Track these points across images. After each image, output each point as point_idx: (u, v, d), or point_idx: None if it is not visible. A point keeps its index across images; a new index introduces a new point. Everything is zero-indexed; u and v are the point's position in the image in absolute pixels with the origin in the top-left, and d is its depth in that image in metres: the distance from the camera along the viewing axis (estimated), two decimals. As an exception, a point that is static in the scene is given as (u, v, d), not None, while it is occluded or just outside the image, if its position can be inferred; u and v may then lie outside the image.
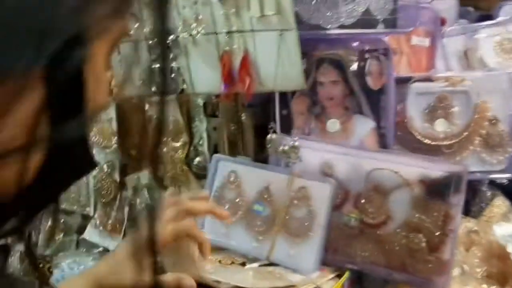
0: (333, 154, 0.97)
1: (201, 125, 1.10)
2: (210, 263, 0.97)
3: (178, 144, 1.15)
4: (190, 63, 0.91)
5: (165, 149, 1.16)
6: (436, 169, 0.89)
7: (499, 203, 1.11)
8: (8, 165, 0.30)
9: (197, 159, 1.12)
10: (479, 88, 1.08)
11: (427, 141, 1.09)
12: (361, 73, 1.02)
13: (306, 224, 0.94)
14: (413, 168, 0.91)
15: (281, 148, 0.88)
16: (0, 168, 0.30)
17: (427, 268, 0.87)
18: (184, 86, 0.92)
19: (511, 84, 1.10)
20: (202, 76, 0.92)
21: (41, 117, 0.30)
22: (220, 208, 0.83)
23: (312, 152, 0.97)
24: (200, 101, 1.07)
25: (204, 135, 1.10)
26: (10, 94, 0.28)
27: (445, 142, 1.09)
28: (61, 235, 1.40)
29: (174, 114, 1.13)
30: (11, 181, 0.30)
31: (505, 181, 1.14)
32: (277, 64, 0.86)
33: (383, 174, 0.92)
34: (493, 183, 1.14)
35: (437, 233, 0.87)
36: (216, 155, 1.04)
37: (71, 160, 0.34)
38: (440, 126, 1.09)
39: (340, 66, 1.01)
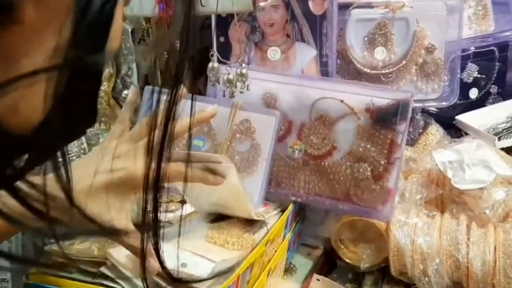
0: (276, 84, 0.92)
1: (129, 54, 1.00)
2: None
3: (102, 76, 1.04)
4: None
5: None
6: (382, 96, 0.87)
7: (434, 131, 1.13)
8: (35, 91, 0.29)
9: (125, 92, 1.03)
10: (418, 15, 1.06)
11: (366, 70, 1.07)
12: (302, -4, 0.96)
13: (249, 158, 0.89)
14: (358, 96, 0.88)
15: (225, 77, 0.82)
16: (27, 93, 0.29)
17: (372, 197, 0.87)
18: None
19: (448, 11, 1.09)
20: (132, -3, 0.82)
21: (68, 43, 0.29)
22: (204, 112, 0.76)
23: (254, 82, 0.91)
24: (128, 27, 0.97)
25: (133, 65, 1.00)
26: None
27: (384, 71, 1.07)
28: None
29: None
30: (37, 109, 0.30)
31: (435, 109, 1.17)
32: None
33: (328, 103, 0.89)
34: (426, 112, 1.16)
35: (382, 162, 0.86)
36: (148, 87, 0.95)
37: (83, 103, 0.34)
38: (380, 54, 1.07)
39: (281, -12, 0.95)
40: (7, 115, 0.30)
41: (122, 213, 0.61)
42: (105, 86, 1.05)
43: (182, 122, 0.62)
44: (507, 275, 0.79)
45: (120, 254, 0.69)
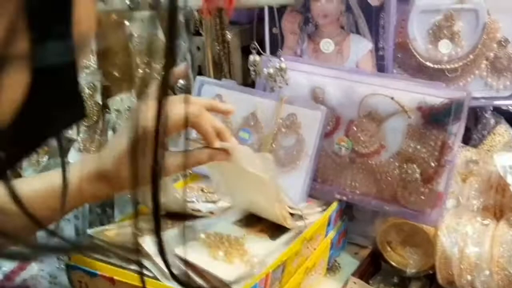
0: (325, 78, 0.89)
1: (184, 45, 1.01)
2: (192, 190, 0.92)
3: (159, 66, 1.06)
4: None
5: (147, 71, 1.09)
6: (436, 94, 0.82)
7: (502, 131, 1.04)
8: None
9: (181, 81, 1.05)
10: (490, 5, 0.98)
11: (429, 64, 1.00)
12: (359, -14, 0.92)
13: (294, 153, 0.88)
14: (410, 93, 0.84)
15: (265, 70, 0.80)
16: None
17: (420, 200, 0.83)
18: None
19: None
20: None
21: (19, 30, 0.28)
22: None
23: (302, 75, 0.90)
24: (182, 18, 0.98)
25: (187, 55, 1.02)
26: None
27: (449, 66, 1.00)
28: (45, 158, 1.35)
29: (154, 32, 1.04)
30: (7, 102, 0.29)
31: (511, 108, 1.08)
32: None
33: (377, 100, 0.85)
34: (497, 110, 1.07)
35: (432, 164, 0.81)
36: (199, 78, 0.97)
37: (60, 95, 0.32)
38: (445, 47, 1.00)
39: (335, -21, 0.91)
40: None
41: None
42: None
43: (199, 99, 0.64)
44: None
45: (150, 244, 0.71)
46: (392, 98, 0.84)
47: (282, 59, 0.79)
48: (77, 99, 0.34)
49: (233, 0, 0.76)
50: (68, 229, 0.93)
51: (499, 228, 0.81)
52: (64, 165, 0.38)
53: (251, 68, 0.81)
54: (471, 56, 1.00)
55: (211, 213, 0.86)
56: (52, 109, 0.32)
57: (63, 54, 0.31)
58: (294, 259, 0.77)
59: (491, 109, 1.06)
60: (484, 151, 1.00)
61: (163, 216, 0.74)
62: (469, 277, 0.79)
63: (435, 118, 0.81)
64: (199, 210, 0.85)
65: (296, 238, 0.78)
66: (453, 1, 0.99)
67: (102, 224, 1.07)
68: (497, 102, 1.04)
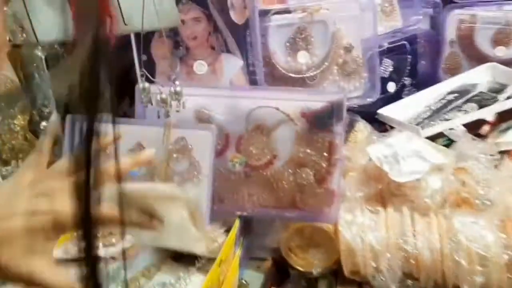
0: (208, 98, 0.89)
1: (44, 83, 0.92)
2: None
3: (15, 109, 0.96)
4: (29, 6, 0.74)
5: None
6: (316, 100, 0.87)
7: (362, 127, 1.15)
8: None
9: (43, 123, 0.95)
10: (334, 16, 1.08)
11: (291, 74, 1.07)
12: (223, 7, 0.94)
13: (189, 177, 0.86)
14: (292, 102, 0.88)
15: (158, 96, 0.78)
16: None
17: (317, 201, 0.87)
18: (22, 36, 0.75)
19: (361, 10, 1.12)
20: (45, 20, 0.75)
21: None
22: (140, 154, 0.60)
23: (185, 99, 0.88)
24: (40, 53, 0.89)
25: (50, 93, 0.93)
26: None
27: (308, 74, 1.08)
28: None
29: (5, 73, 0.94)
30: None
31: (356, 106, 1.19)
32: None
33: (263, 112, 0.88)
34: (350, 110, 1.18)
35: (323, 165, 0.86)
36: (71, 116, 0.89)
37: None
38: (302, 58, 1.08)
39: (201, 1, 0.92)
40: None
41: (44, 257, 0.51)
42: (19, 120, 0.97)
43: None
44: (454, 260, 0.81)
45: None
46: (277, 109, 0.87)
47: (176, 82, 0.77)
48: None
49: (114, 28, 0.72)
50: None
51: (389, 213, 0.88)
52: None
53: (142, 95, 0.78)
54: (325, 63, 1.09)
55: (113, 258, 0.80)
56: None
57: None
58: (216, 283, 0.75)
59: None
60: (352, 148, 1.09)
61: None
62: (373, 264, 0.85)
63: (319, 121, 0.86)
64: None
65: (213, 262, 0.76)
66: (304, 14, 1.07)
67: None
68: (351, 102, 1.14)
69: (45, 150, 0.58)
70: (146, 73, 0.77)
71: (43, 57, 0.89)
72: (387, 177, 0.91)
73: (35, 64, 0.93)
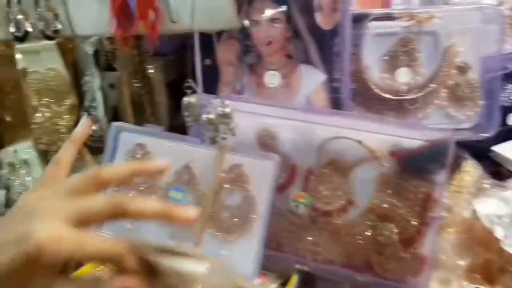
0: (275, 119, 0.73)
1: (94, 82, 0.81)
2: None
3: (63, 108, 0.85)
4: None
5: (46, 115, 0.87)
6: (412, 136, 0.67)
7: (470, 168, 0.92)
8: None
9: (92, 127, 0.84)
10: (449, 27, 0.87)
11: (387, 95, 0.87)
12: (308, 8, 0.76)
13: (242, 214, 0.70)
14: (381, 136, 0.69)
15: (204, 117, 0.62)
16: None
17: (400, 266, 0.67)
18: (59, 26, 0.63)
19: (483, 22, 0.89)
20: (83, 12, 0.63)
21: None
22: (176, 208, 0.43)
23: (247, 117, 0.72)
24: (89, 49, 0.78)
25: (98, 95, 0.81)
26: None
27: (409, 96, 0.88)
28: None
29: (55, 67, 0.83)
30: None
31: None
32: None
33: (342, 144, 0.69)
34: (460, 144, 0.96)
35: (413, 222, 0.66)
36: (116, 124, 0.76)
37: None
38: (403, 76, 0.87)
39: (280, -2, 0.75)
40: None
41: None
42: (66, 121, 0.86)
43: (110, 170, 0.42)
44: None
45: None
46: (359, 142, 0.68)
47: (226, 102, 0.61)
48: None
49: (157, 26, 0.57)
50: None
51: (496, 296, 0.67)
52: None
53: (185, 113, 0.62)
54: (432, 85, 0.88)
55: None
56: None
57: None
58: None
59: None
60: (455, 193, 0.88)
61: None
62: None
63: (414, 165, 0.66)
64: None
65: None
66: (410, 23, 0.87)
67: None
68: (460, 136, 0.92)
69: (64, 161, 0.46)
70: (193, 84, 0.61)
71: (91, 52, 0.77)
72: (499, 244, 0.70)
73: (85, 60, 0.81)
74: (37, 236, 0.35)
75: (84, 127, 0.49)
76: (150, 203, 0.41)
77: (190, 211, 0.42)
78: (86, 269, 0.65)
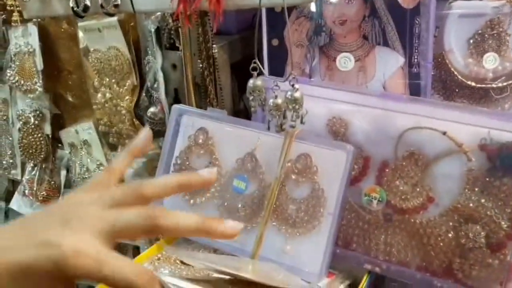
0: (348, 105, 0.67)
1: (155, 62, 0.77)
2: (168, 263, 0.68)
3: (123, 89, 0.82)
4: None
5: (107, 95, 0.84)
6: (506, 128, 0.59)
7: None
8: None
9: (151, 109, 0.81)
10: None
11: (471, 83, 0.79)
12: (388, -16, 0.69)
13: (309, 208, 0.64)
14: (469, 127, 0.61)
15: (271, 101, 0.57)
16: None
17: (486, 273, 0.60)
18: (119, 1, 0.59)
19: None
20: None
21: None
22: (215, 224, 0.40)
23: (317, 103, 0.67)
24: (152, 26, 0.74)
25: (160, 75, 0.77)
26: None
27: (496, 84, 0.79)
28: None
29: (116, 45, 0.80)
30: None
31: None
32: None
33: (423, 135, 0.62)
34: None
35: (504, 225, 0.59)
36: (177, 106, 0.72)
37: None
38: (490, 62, 0.79)
39: (358, -27, 0.69)
40: None
41: None
42: (127, 102, 0.83)
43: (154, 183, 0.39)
44: None
45: None
46: (444, 133, 0.61)
47: (295, 85, 0.55)
48: None
49: (222, 1, 0.52)
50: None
51: None
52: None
53: (251, 97, 0.57)
54: (522, 72, 0.79)
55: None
56: None
57: None
58: None
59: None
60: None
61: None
62: None
63: (506, 161, 0.58)
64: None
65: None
66: (501, 3, 0.78)
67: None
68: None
69: (118, 170, 0.44)
70: (259, 66, 0.55)
71: (153, 30, 0.73)
72: None
73: (147, 38, 0.78)
74: (65, 246, 0.34)
75: (145, 139, 0.45)
76: (187, 219, 0.39)
77: (231, 227, 0.40)
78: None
